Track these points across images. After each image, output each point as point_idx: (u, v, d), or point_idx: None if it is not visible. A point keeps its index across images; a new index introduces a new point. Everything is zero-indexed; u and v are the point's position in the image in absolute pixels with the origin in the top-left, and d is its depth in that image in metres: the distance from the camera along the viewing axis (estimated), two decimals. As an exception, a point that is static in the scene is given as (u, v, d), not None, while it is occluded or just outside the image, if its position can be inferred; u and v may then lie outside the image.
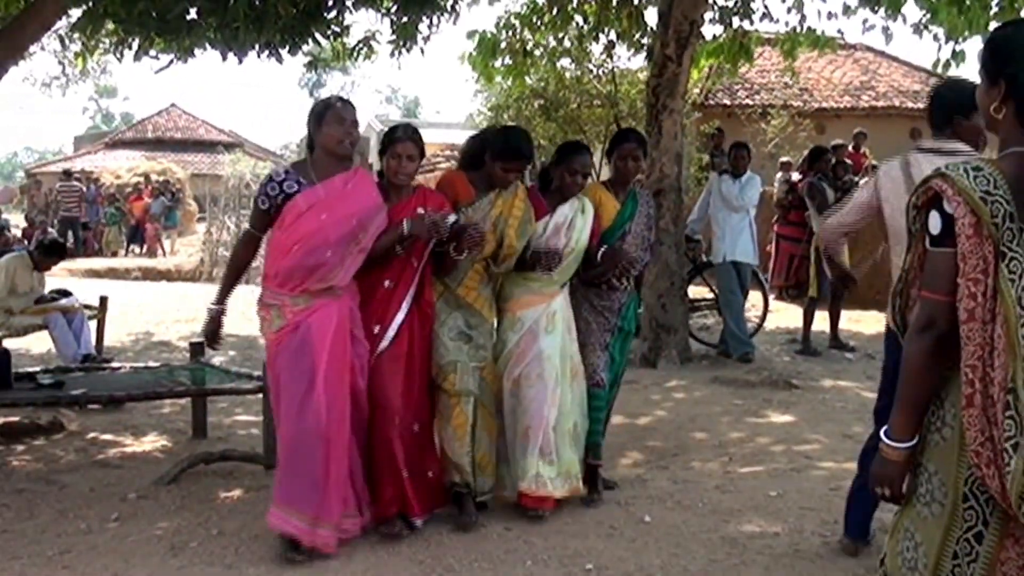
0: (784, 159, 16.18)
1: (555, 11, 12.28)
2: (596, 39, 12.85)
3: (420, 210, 5.15)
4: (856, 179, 11.18)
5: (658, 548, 5.05)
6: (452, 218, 5.19)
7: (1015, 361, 2.41)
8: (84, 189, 28.96)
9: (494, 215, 5.40)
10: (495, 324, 5.61)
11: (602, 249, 5.70)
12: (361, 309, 5.07)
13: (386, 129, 5.30)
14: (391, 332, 5.13)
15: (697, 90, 16.59)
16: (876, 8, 10.83)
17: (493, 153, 5.41)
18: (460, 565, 4.79)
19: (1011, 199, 2.46)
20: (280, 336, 4.89)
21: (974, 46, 11.70)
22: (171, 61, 9.16)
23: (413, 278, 5.19)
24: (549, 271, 5.52)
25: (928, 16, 10.34)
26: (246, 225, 5.24)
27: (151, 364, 8.28)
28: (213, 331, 5.21)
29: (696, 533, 5.26)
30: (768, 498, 5.72)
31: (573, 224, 5.62)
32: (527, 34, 12.67)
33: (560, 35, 13.39)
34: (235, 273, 5.30)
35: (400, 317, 5.15)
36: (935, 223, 2.54)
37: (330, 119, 4.92)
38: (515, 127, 5.73)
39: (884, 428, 2.69)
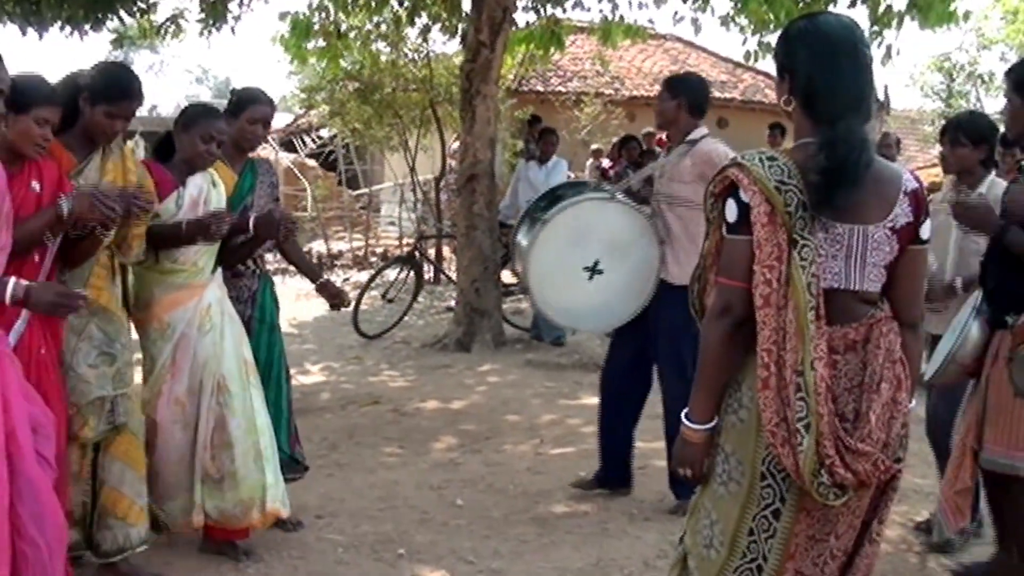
0: (595, 146, 16.47)
1: (370, -7, 12.20)
2: (412, 23, 12.80)
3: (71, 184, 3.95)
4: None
5: (470, 531, 5.09)
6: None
7: (804, 345, 2.51)
8: None
9: (106, 184, 4.17)
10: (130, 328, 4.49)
11: (252, 216, 4.86)
12: None
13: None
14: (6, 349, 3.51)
15: (511, 76, 16.70)
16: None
17: (93, 95, 4.14)
18: (269, 554, 4.72)
19: (803, 188, 2.56)
20: None
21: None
22: (-35, 35, 8.75)
23: (37, 276, 3.79)
24: (212, 241, 4.55)
25: (736, 8, 10.65)
26: None
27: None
28: None
29: (507, 515, 5.33)
30: (578, 479, 5.82)
31: (209, 199, 4.67)
32: (341, 16, 12.53)
33: (375, 18, 13.28)
34: None
35: (19, 328, 3.73)
36: (731, 211, 2.62)
37: None
38: (114, 62, 4.47)
39: (685, 411, 2.77)
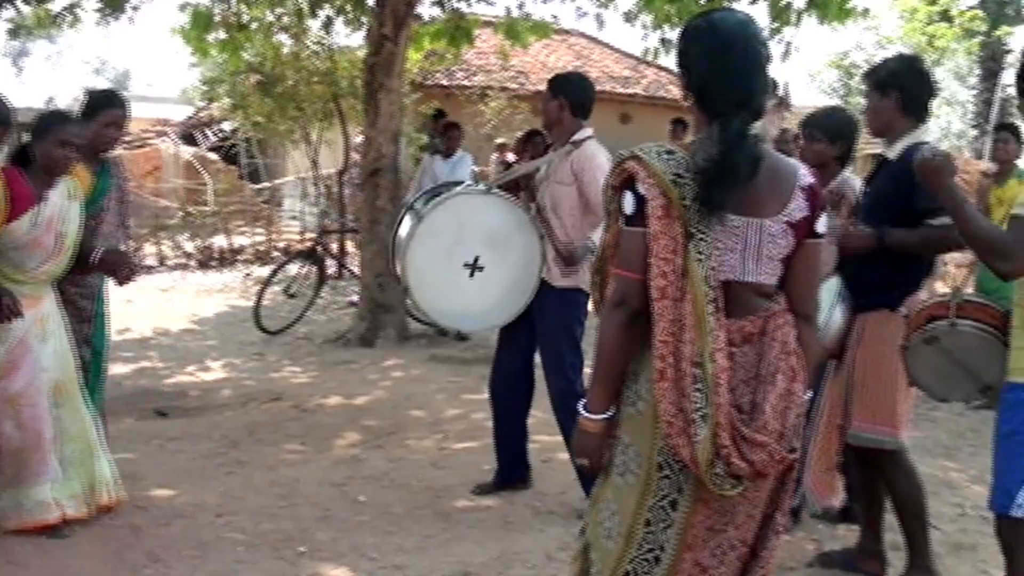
0: (500, 141, 16.49)
1: (272, -16, 12.06)
2: (314, 15, 12.65)
3: None
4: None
5: (372, 528, 5.06)
6: None
7: (703, 336, 2.53)
8: None
9: None
10: None
11: (100, 251, 4.92)
12: None
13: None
14: None
15: (416, 70, 16.63)
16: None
17: None
18: (168, 554, 4.64)
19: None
20: None
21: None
22: None
23: None
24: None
25: (640, 4, 10.72)
26: None
27: None
28: None
29: (410, 511, 5.30)
30: (481, 472, 5.81)
31: (66, 215, 4.75)
32: (243, 7, 12.36)
33: (277, 10, 13.12)
34: None
35: None
36: (628, 203, 2.63)
37: None
38: None
39: (583, 402, 2.78)
